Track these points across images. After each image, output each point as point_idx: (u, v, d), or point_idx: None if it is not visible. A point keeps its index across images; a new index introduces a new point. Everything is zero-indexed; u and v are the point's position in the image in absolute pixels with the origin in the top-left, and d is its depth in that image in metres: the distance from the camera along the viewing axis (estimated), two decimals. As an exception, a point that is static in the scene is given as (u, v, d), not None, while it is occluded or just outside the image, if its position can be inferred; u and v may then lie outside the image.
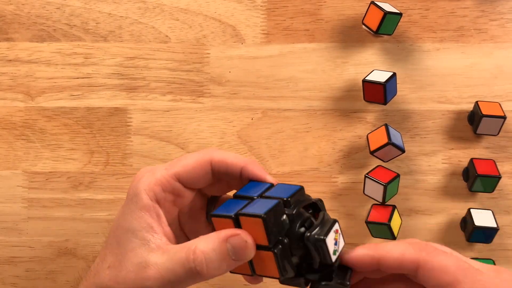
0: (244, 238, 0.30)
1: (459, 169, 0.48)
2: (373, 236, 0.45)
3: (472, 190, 0.46)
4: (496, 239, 0.47)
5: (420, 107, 0.48)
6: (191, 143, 0.49)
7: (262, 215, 0.29)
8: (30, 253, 0.50)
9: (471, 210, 0.46)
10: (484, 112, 0.44)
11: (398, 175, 0.45)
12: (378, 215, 0.44)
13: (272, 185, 0.33)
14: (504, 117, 0.44)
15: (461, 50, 0.48)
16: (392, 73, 0.44)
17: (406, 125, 0.48)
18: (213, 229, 0.32)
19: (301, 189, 0.32)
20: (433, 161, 0.48)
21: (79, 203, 0.49)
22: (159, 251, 0.32)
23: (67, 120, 0.49)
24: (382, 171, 0.45)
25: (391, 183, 0.44)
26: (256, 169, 0.34)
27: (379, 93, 0.44)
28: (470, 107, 0.47)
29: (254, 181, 0.34)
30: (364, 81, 0.44)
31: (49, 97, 0.49)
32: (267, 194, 0.32)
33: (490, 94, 0.47)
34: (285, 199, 0.31)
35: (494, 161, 0.46)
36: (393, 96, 0.45)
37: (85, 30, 0.49)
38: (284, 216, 0.30)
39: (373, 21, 0.44)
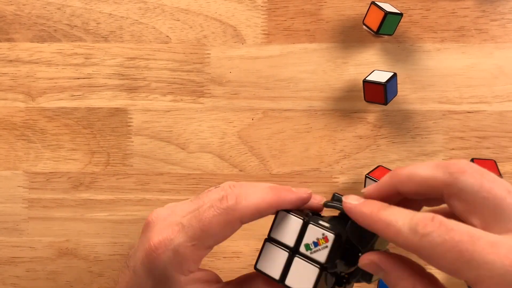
0: None
1: (459, 170, 0.47)
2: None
3: None
4: (497, 240, 0.47)
5: (420, 107, 0.48)
6: (192, 143, 0.49)
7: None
8: (30, 253, 0.50)
9: None
10: None
11: None
12: None
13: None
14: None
15: (462, 50, 0.48)
16: (392, 73, 0.44)
17: (407, 125, 0.48)
18: None
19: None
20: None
21: (79, 203, 0.49)
22: None
23: (68, 120, 0.49)
24: (383, 172, 0.45)
25: None
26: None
27: (379, 93, 0.44)
28: (471, 107, 0.47)
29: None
30: (365, 81, 0.44)
31: (50, 97, 0.49)
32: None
33: (490, 94, 0.47)
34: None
35: (495, 161, 0.46)
36: (394, 97, 0.45)
37: (86, 31, 0.49)
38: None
39: (374, 21, 0.44)
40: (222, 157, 0.48)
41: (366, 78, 0.44)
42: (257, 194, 0.31)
